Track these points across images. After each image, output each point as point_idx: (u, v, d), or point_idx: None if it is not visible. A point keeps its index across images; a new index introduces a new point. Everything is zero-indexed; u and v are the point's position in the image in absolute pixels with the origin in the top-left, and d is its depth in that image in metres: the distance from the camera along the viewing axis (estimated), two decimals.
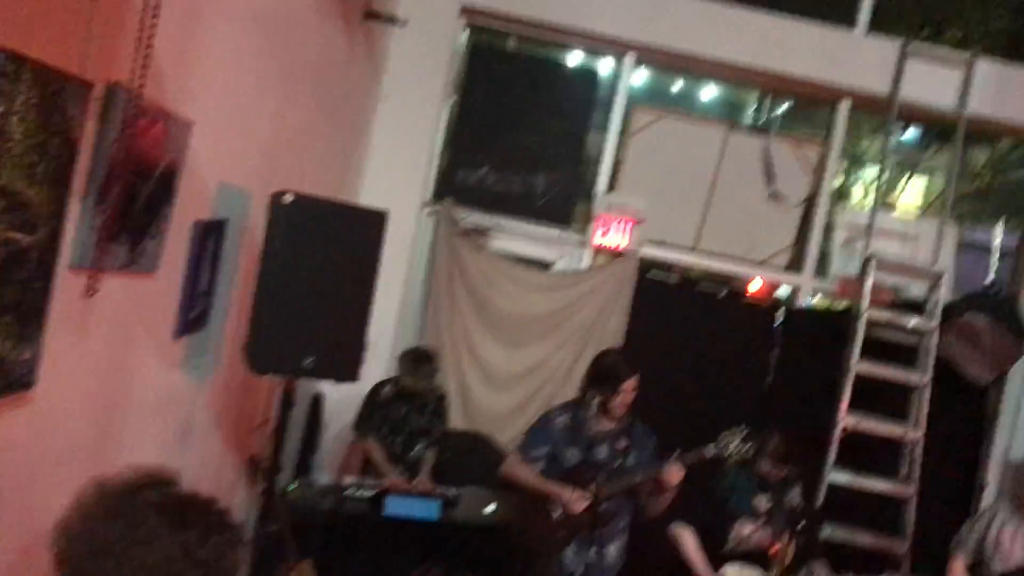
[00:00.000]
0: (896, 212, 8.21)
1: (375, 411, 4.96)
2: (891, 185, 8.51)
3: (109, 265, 2.20)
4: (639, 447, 4.09)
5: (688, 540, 4.07)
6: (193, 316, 3.00)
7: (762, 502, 4.04)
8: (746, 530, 3.99)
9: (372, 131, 5.58)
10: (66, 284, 2.04)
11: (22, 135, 1.74)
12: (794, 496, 4.08)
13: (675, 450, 3.91)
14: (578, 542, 3.92)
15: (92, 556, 1.79)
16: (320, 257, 3.09)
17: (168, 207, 2.56)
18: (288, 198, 2.99)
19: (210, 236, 3.03)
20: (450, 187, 5.79)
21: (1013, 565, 3.88)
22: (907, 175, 7.88)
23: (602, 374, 4.06)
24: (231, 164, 3.13)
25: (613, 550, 4.06)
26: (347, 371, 3.22)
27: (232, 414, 3.73)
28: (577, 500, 3.90)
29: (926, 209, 8.25)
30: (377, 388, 5.03)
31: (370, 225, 3.23)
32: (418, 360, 4.92)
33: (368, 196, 5.58)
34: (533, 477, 4.09)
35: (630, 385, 4.01)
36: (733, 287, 6.41)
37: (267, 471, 3.34)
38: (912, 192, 8.93)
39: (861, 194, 5.65)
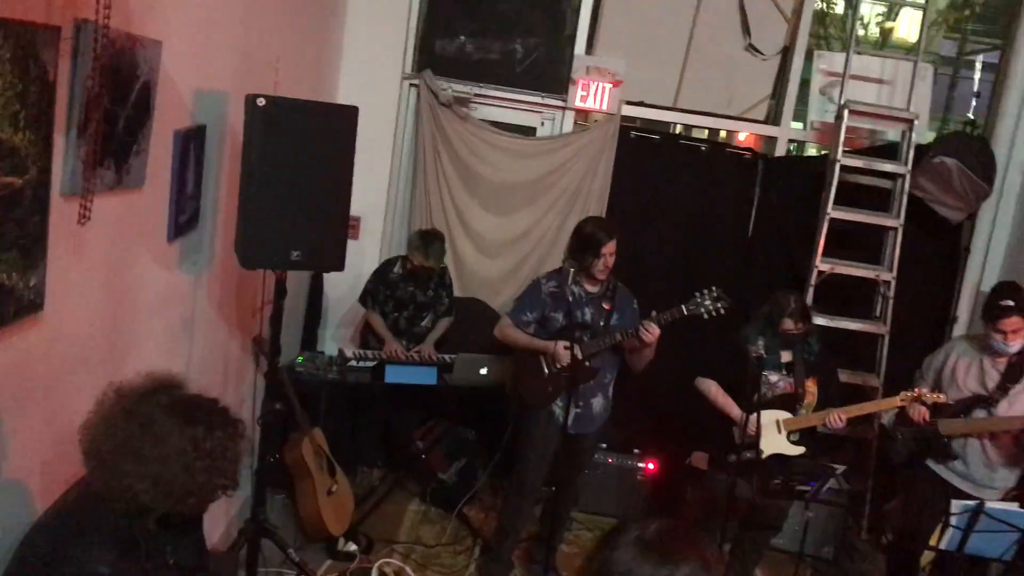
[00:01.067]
0: (890, 48, 8.12)
1: (381, 286, 5.23)
2: (884, 21, 8.42)
3: (98, 189, 2.39)
4: (621, 309, 4.38)
5: (712, 388, 4.39)
6: (184, 219, 3.21)
7: (786, 356, 4.33)
8: (773, 378, 4.31)
9: (347, 7, 5.60)
10: (61, 214, 2.24)
11: (2, 88, 1.90)
12: (812, 347, 4.36)
13: (653, 311, 4.18)
14: (565, 396, 4.23)
15: (114, 452, 2.10)
16: (298, 154, 3.25)
17: (148, 124, 2.72)
18: (261, 101, 3.13)
19: (191, 142, 3.19)
20: (429, 58, 5.83)
21: (966, 394, 4.19)
22: (895, 10, 7.78)
23: (583, 241, 4.28)
24: (204, 70, 3.26)
25: (597, 403, 4.40)
26: (332, 261, 3.43)
27: (232, 302, 3.98)
28: (562, 352, 4.19)
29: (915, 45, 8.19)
30: (386, 266, 5.30)
31: (343, 120, 3.37)
32: (427, 240, 5.14)
33: (348, 73, 5.69)
34: (523, 337, 4.40)
35: (609, 249, 4.25)
36: (716, 140, 6.50)
37: (268, 353, 3.61)
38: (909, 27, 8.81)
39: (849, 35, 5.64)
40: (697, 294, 4.17)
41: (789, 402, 4.25)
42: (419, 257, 5.09)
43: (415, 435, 5.19)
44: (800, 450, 4.23)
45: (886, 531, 5.09)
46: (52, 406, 2.39)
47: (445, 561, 4.71)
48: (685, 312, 4.15)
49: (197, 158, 3.25)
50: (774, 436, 4.21)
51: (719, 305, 4.13)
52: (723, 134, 7.11)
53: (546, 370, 4.34)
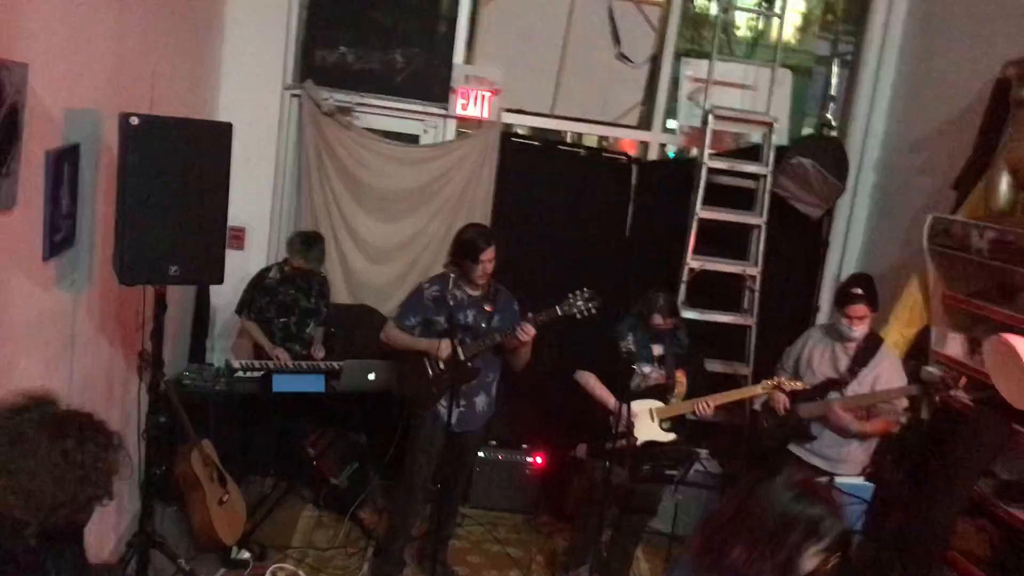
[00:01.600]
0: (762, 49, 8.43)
1: (259, 295, 5.28)
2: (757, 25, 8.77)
3: None
4: (502, 310, 4.57)
5: (590, 380, 4.64)
6: (59, 238, 3.24)
7: (657, 349, 4.59)
8: (646, 370, 4.55)
9: (225, 20, 5.63)
10: None
11: None
12: (681, 340, 4.62)
13: (528, 312, 4.39)
14: (449, 395, 4.39)
15: None
16: (173, 171, 3.33)
17: (16, 146, 2.76)
18: (134, 120, 3.20)
19: (64, 161, 3.22)
20: (310, 68, 5.90)
21: (821, 378, 4.52)
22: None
23: (463, 248, 4.46)
24: (75, 89, 3.29)
25: (480, 401, 4.59)
26: (211, 274, 3.52)
27: (114, 317, 3.99)
28: (444, 347, 4.37)
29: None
30: (262, 273, 5.35)
31: (217, 136, 3.46)
32: (308, 243, 5.22)
33: (229, 84, 5.72)
34: (407, 338, 4.55)
35: (487, 256, 4.43)
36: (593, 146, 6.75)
37: (151, 367, 3.66)
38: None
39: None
40: (570, 295, 4.39)
41: (661, 392, 4.52)
42: (299, 260, 5.17)
43: (306, 442, 5.27)
44: (672, 436, 4.50)
45: None
46: None
47: (339, 563, 4.81)
48: (559, 312, 4.36)
49: (71, 177, 3.29)
50: (647, 424, 4.47)
51: (591, 305, 4.35)
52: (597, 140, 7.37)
53: (430, 371, 4.50)
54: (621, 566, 4.88)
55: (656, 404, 4.51)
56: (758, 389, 4.50)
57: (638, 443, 4.38)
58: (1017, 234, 4.10)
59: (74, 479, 2.21)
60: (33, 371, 3.13)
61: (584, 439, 5.01)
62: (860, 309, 4.36)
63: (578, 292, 4.39)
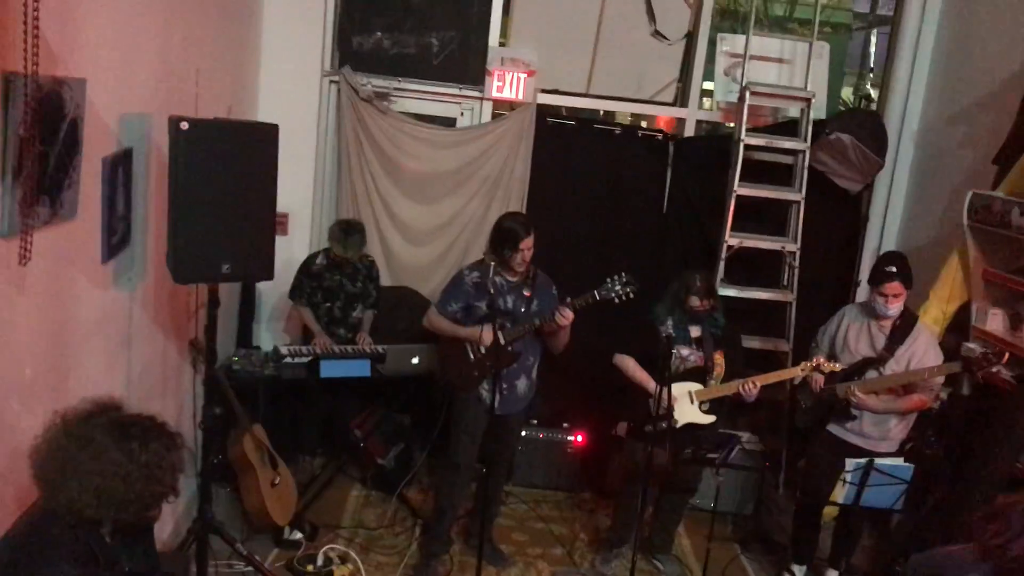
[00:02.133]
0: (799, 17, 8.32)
1: (307, 280, 5.40)
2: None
3: (35, 226, 2.54)
4: (541, 295, 4.63)
5: (629, 364, 4.71)
6: (116, 240, 3.36)
7: (695, 331, 4.65)
8: (684, 352, 4.61)
9: (263, 11, 5.71)
10: (2, 255, 2.40)
11: None
12: (719, 320, 4.67)
13: (567, 297, 4.45)
14: (491, 379, 4.49)
15: (58, 471, 2.31)
16: (222, 172, 3.41)
17: (77, 157, 2.86)
18: (184, 124, 3.28)
19: (119, 166, 3.32)
20: (348, 55, 5.97)
21: (858, 357, 4.55)
22: None
23: (502, 236, 4.52)
24: (127, 97, 3.38)
25: (521, 384, 4.68)
26: (262, 271, 3.62)
27: (166, 310, 4.13)
28: (487, 335, 4.44)
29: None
30: (310, 259, 5.47)
31: (264, 137, 3.54)
32: (346, 231, 5.31)
33: (269, 73, 5.81)
34: (449, 325, 4.64)
35: (526, 244, 4.49)
36: (629, 124, 6.76)
37: (205, 362, 3.79)
38: None
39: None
40: (608, 280, 4.44)
41: (699, 374, 4.58)
42: (338, 248, 5.27)
43: (353, 424, 5.41)
44: (711, 418, 4.57)
45: (798, 488, 5.47)
46: (5, 426, 2.56)
47: (387, 542, 4.96)
48: (597, 297, 4.42)
49: (125, 180, 3.40)
50: (687, 406, 4.53)
51: (628, 289, 4.41)
52: (630, 118, 7.37)
53: (472, 355, 4.59)
54: (663, 543, 4.99)
55: (696, 386, 4.58)
56: (798, 371, 4.53)
57: (678, 425, 4.45)
58: None
59: (141, 478, 2.35)
60: (96, 368, 3.27)
61: (624, 417, 5.08)
62: (895, 287, 4.38)
63: (616, 277, 4.44)
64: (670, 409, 4.36)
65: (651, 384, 4.54)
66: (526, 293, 4.59)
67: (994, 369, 4.26)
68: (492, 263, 4.48)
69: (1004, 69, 5.14)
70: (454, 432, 4.73)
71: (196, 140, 3.33)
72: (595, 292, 4.41)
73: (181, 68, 4.03)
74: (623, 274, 4.43)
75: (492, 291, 4.43)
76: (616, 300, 4.42)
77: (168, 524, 4.34)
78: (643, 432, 4.47)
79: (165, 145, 3.42)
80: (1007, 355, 4.22)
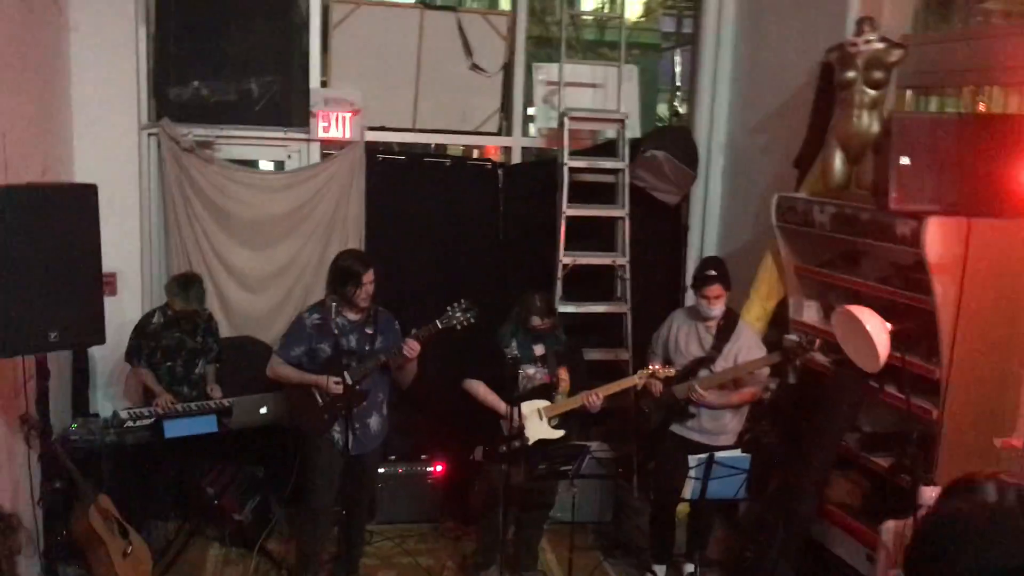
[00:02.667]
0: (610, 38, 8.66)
1: (144, 341, 5.23)
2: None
3: None
4: (384, 332, 4.70)
5: (479, 388, 4.81)
6: None
7: (538, 349, 4.78)
8: (530, 371, 4.73)
9: (71, 67, 5.52)
10: None
11: None
12: (560, 337, 4.82)
13: (412, 330, 4.53)
14: (342, 420, 4.51)
15: None
16: (40, 237, 3.32)
17: None
18: None
19: None
20: (165, 106, 5.86)
21: (690, 358, 4.82)
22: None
23: (342, 274, 4.56)
24: None
25: (374, 422, 4.72)
26: (92, 336, 3.52)
27: None
28: (333, 385, 4.48)
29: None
30: (145, 320, 5.30)
31: (82, 198, 3.45)
32: (185, 285, 5.20)
33: (83, 130, 5.61)
34: (293, 373, 4.64)
35: (368, 278, 4.56)
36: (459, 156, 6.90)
37: (40, 436, 3.63)
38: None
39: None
40: (448, 308, 4.56)
41: (546, 391, 4.73)
42: (179, 303, 5.15)
43: (204, 482, 5.26)
44: (561, 433, 4.74)
45: (650, 490, 5.70)
46: None
47: None
48: (440, 326, 4.54)
49: None
50: (537, 423, 4.68)
51: (468, 315, 4.56)
52: (462, 150, 7.54)
53: (320, 400, 4.59)
54: (529, 561, 5.10)
55: (543, 403, 4.73)
56: (636, 379, 4.76)
57: (530, 443, 4.59)
58: (854, 208, 4.47)
59: None
60: None
61: (479, 441, 5.18)
62: (715, 289, 4.68)
63: (456, 304, 4.57)
64: (521, 428, 4.48)
65: (501, 406, 4.66)
66: (368, 331, 4.64)
67: (810, 355, 4.59)
68: (333, 304, 4.50)
69: (794, 80, 5.57)
70: (309, 478, 4.70)
71: (9, 207, 3.22)
72: (437, 321, 4.53)
73: None
74: (462, 301, 4.56)
75: (336, 331, 4.45)
76: (458, 327, 4.53)
77: None
78: (498, 454, 4.58)
79: None
80: (819, 341, 4.57)
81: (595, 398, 4.67)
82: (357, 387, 4.51)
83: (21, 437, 4.27)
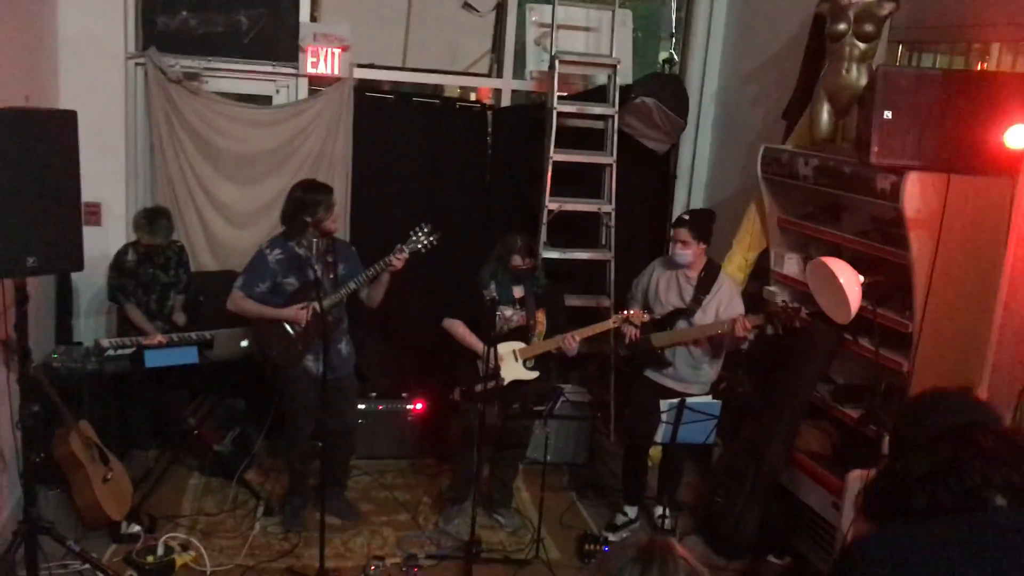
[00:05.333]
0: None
1: (126, 279, 5.26)
2: None
3: None
4: (344, 259, 4.79)
5: (458, 328, 4.86)
6: None
7: (518, 291, 4.83)
8: (508, 313, 4.78)
9: None
10: None
11: None
12: (540, 280, 4.86)
13: (397, 244, 4.65)
14: (315, 348, 4.61)
15: None
16: (20, 163, 3.31)
17: None
18: None
19: None
20: (153, 36, 5.79)
21: (669, 308, 4.87)
22: None
23: (311, 203, 4.63)
24: None
25: (343, 347, 4.85)
26: (71, 262, 3.54)
27: None
28: (300, 314, 4.60)
29: None
30: (120, 256, 5.31)
31: (63, 124, 3.44)
32: (151, 218, 5.21)
33: (69, 58, 5.56)
34: (258, 307, 4.71)
35: (335, 200, 4.70)
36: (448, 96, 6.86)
37: (19, 359, 3.67)
38: None
39: None
40: (411, 233, 4.67)
41: (523, 333, 4.79)
42: (145, 236, 5.18)
43: (185, 412, 5.33)
44: (535, 374, 4.81)
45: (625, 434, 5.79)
46: None
47: (229, 526, 4.93)
48: (406, 250, 4.62)
49: None
50: (512, 364, 4.74)
51: (431, 239, 4.66)
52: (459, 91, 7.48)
53: (291, 331, 4.66)
54: (503, 498, 5.19)
55: (519, 345, 4.78)
56: (610, 323, 4.81)
57: (504, 383, 4.65)
58: (837, 160, 4.48)
59: None
60: None
61: (457, 380, 5.24)
62: (682, 233, 4.70)
63: (418, 228, 4.67)
64: (496, 368, 4.54)
65: (479, 346, 4.71)
66: (330, 260, 4.71)
67: (796, 325, 4.57)
68: (292, 236, 4.63)
69: (786, 32, 5.55)
70: (289, 410, 4.77)
71: None
72: (401, 245, 4.62)
73: None
74: (424, 225, 4.68)
75: (303, 260, 4.56)
76: (422, 249, 4.65)
77: None
78: (474, 393, 4.64)
79: None
80: (803, 309, 4.52)
81: (571, 341, 4.73)
82: (330, 315, 4.56)
83: (2, 362, 4.33)
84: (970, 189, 4.00)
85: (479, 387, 4.57)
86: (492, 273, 4.79)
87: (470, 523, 4.54)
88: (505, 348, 4.73)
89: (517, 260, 4.74)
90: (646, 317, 4.74)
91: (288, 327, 4.66)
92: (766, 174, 5.09)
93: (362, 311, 5.08)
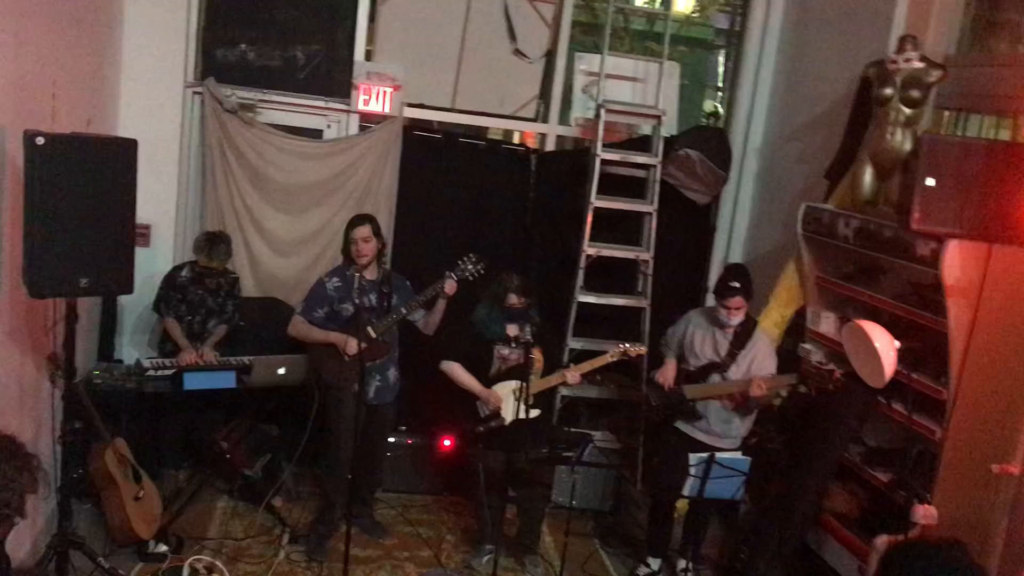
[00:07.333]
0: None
1: (173, 292, 5.38)
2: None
3: None
4: (398, 290, 4.96)
5: (457, 370, 4.92)
6: None
7: (512, 329, 4.86)
8: (505, 352, 4.83)
9: (124, 21, 5.65)
10: None
11: None
12: (534, 318, 4.90)
13: (446, 272, 4.85)
14: (365, 373, 4.65)
15: None
16: (79, 186, 3.43)
17: None
18: (39, 140, 3.29)
19: None
20: (212, 66, 5.97)
21: (703, 361, 4.87)
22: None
23: (344, 237, 4.87)
24: None
25: (391, 374, 5.04)
26: (121, 285, 3.64)
27: (23, 325, 4.06)
28: (351, 345, 4.74)
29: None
30: (174, 272, 5.46)
31: (123, 151, 3.56)
32: (212, 241, 5.36)
33: (130, 83, 5.75)
34: (316, 332, 4.91)
35: (358, 233, 4.84)
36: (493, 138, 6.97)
37: (64, 376, 3.77)
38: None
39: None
40: (459, 261, 4.89)
41: (521, 372, 4.73)
42: (203, 259, 5.32)
43: (218, 436, 5.41)
44: (537, 412, 4.84)
45: (652, 484, 5.76)
46: None
47: (255, 552, 4.98)
48: (455, 277, 4.84)
49: None
50: (513, 404, 4.73)
51: (478, 268, 4.88)
52: (501, 134, 7.60)
53: (345, 355, 4.81)
54: (531, 542, 5.17)
55: (518, 384, 4.78)
56: (608, 357, 4.87)
57: (506, 423, 4.72)
58: (878, 223, 4.50)
59: None
60: None
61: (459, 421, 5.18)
62: (737, 301, 4.70)
63: (466, 258, 4.88)
64: (497, 410, 4.75)
65: (477, 387, 4.84)
66: (385, 290, 4.89)
67: (831, 387, 4.55)
68: (349, 267, 4.84)
69: (833, 92, 5.59)
70: (335, 431, 4.93)
71: (52, 155, 3.34)
72: (454, 272, 4.83)
73: (37, 81, 4.00)
74: (472, 255, 4.89)
75: (356, 290, 4.78)
76: (470, 278, 4.84)
77: (26, 542, 4.26)
78: (473, 434, 4.82)
79: (20, 159, 3.41)
80: (837, 373, 4.48)
81: (574, 374, 4.81)
82: (381, 339, 4.81)
83: (47, 376, 4.44)
84: (1011, 259, 3.99)
85: (479, 428, 4.73)
86: (488, 310, 4.85)
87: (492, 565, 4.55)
88: (505, 388, 4.79)
89: (514, 299, 4.80)
90: (642, 350, 4.90)
91: (342, 351, 4.84)
92: (806, 232, 5.10)
93: (400, 345, 5.16)
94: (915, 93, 4.54)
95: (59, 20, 4.35)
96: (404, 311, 4.87)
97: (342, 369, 4.84)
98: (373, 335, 4.79)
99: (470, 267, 4.86)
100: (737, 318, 4.72)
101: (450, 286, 4.81)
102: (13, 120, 3.63)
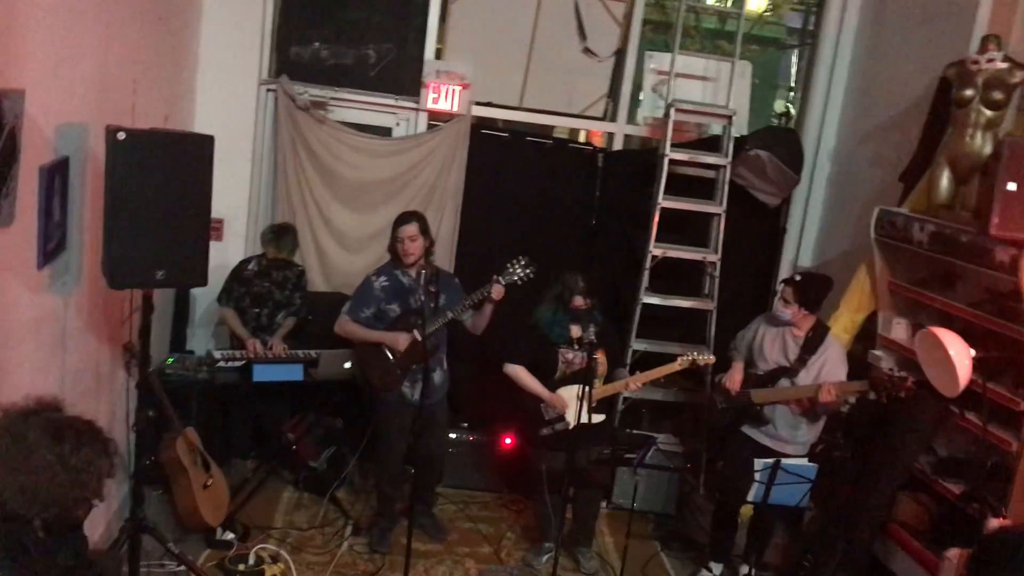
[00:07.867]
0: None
1: (237, 285, 5.50)
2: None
3: None
4: (446, 289, 4.90)
5: (521, 373, 4.89)
6: (52, 247, 3.43)
7: (576, 331, 4.84)
8: (569, 355, 4.81)
9: (202, 19, 5.79)
10: None
11: None
12: (598, 319, 4.88)
13: (492, 275, 4.79)
14: (412, 374, 4.79)
15: None
16: (158, 180, 3.52)
17: (15, 167, 2.95)
18: (120, 135, 3.38)
19: (56, 174, 3.40)
20: (285, 64, 6.08)
21: (772, 365, 4.80)
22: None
23: (392, 234, 4.85)
24: (64, 106, 3.46)
25: (437, 375, 4.97)
26: (196, 278, 3.73)
27: (100, 314, 4.19)
28: (401, 341, 4.77)
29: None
30: (242, 264, 5.57)
31: (200, 147, 3.65)
32: (278, 233, 5.46)
33: (206, 80, 5.89)
34: (362, 331, 4.90)
35: (405, 232, 4.81)
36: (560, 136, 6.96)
37: (139, 366, 3.88)
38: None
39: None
40: (508, 264, 4.79)
41: (586, 376, 4.68)
42: (271, 250, 5.42)
43: (285, 427, 5.51)
44: (601, 417, 4.83)
45: (716, 488, 5.70)
46: None
47: (319, 542, 5.06)
48: (503, 282, 4.75)
49: (62, 188, 3.48)
50: (577, 408, 4.71)
51: (528, 271, 4.78)
52: (568, 133, 7.58)
53: (391, 356, 4.82)
54: (584, 537, 5.17)
55: (583, 388, 4.76)
56: (676, 365, 4.78)
57: (570, 427, 4.71)
58: (954, 228, 4.38)
59: (67, 480, 2.45)
60: (29, 371, 3.34)
61: (523, 425, 5.15)
62: (787, 292, 4.66)
63: (515, 260, 4.79)
64: (562, 413, 4.74)
65: (543, 391, 4.81)
66: (432, 289, 4.81)
67: (901, 395, 4.44)
68: (396, 266, 4.86)
69: (910, 93, 5.45)
70: (383, 433, 4.91)
71: (132, 150, 3.43)
72: (498, 276, 4.76)
73: (119, 78, 4.11)
74: (521, 257, 4.79)
75: (404, 290, 4.81)
76: (518, 282, 4.76)
77: (100, 525, 4.39)
78: (537, 437, 4.82)
79: (102, 154, 3.50)
80: (910, 379, 4.37)
81: (635, 384, 4.76)
82: (429, 342, 4.73)
83: (123, 365, 4.57)
84: None
85: (544, 431, 4.73)
86: (552, 312, 4.82)
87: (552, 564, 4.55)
88: (569, 392, 4.76)
89: (579, 301, 4.75)
90: (711, 359, 4.81)
91: (388, 352, 4.82)
92: (880, 236, 5.00)
93: (464, 341, 5.18)
94: (997, 95, 4.42)
95: (142, 19, 4.47)
96: (451, 314, 4.80)
97: (388, 370, 4.84)
98: (419, 337, 4.72)
99: (519, 271, 4.77)
100: (785, 311, 4.65)
101: (497, 291, 4.73)
102: (96, 116, 3.75)
